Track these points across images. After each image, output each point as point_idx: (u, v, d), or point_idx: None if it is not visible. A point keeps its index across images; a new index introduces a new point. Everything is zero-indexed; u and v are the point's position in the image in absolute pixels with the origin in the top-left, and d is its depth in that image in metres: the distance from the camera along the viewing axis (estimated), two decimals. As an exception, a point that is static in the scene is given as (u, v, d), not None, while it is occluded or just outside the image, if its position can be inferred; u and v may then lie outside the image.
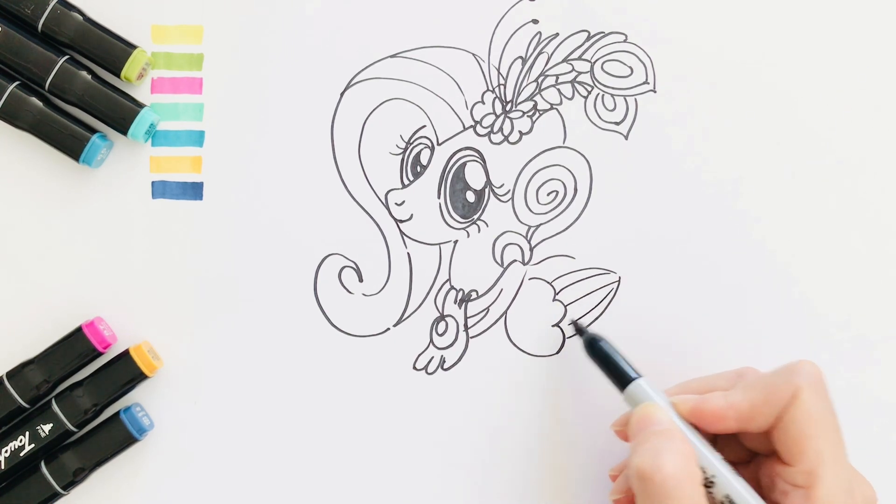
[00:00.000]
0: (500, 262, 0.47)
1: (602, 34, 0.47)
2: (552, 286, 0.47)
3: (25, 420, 0.45)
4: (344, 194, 0.47)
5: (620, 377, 0.42)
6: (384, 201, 0.47)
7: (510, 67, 0.47)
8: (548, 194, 0.47)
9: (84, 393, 0.45)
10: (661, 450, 0.38)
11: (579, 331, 0.45)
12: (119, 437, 0.45)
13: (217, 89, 0.47)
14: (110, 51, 0.45)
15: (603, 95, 0.47)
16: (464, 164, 0.47)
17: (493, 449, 0.46)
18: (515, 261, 0.47)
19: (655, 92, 0.47)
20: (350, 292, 0.47)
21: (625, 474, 0.42)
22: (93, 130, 0.46)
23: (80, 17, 0.45)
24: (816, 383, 0.39)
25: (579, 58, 0.47)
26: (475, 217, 0.47)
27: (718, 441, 0.41)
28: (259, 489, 0.46)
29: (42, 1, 0.45)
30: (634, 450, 0.39)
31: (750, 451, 0.42)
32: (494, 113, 0.47)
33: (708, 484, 0.39)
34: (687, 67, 0.47)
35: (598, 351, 0.43)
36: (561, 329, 0.47)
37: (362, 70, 0.47)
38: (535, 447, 0.46)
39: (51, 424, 0.45)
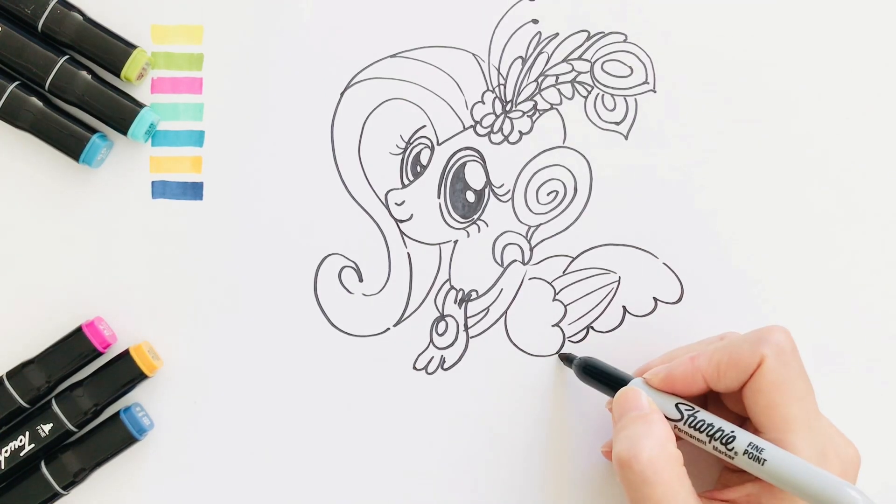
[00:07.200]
0: (500, 262, 0.47)
1: (602, 34, 0.47)
2: (552, 286, 0.47)
3: (25, 420, 0.45)
4: (344, 194, 0.47)
5: (616, 386, 0.42)
6: (384, 201, 0.47)
7: (510, 67, 0.47)
8: (548, 194, 0.47)
9: (84, 393, 0.45)
10: (637, 436, 0.38)
11: (568, 360, 0.45)
12: (119, 437, 0.45)
13: (217, 89, 0.47)
14: (110, 51, 0.45)
15: (603, 95, 0.47)
16: (464, 164, 0.47)
17: (492, 449, 0.46)
18: (515, 261, 0.47)
19: (655, 92, 0.47)
20: (350, 292, 0.47)
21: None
22: (93, 130, 0.46)
23: (80, 17, 0.45)
24: (782, 351, 0.39)
25: (579, 58, 0.47)
26: (475, 217, 0.47)
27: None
28: (259, 489, 0.46)
29: (42, 1, 0.45)
30: (615, 438, 0.40)
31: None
32: (494, 113, 0.47)
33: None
34: (687, 67, 0.47)
35: (590, 371, 0.43)
36: (561, 329, 0.47)
37: (362, 70, 0.47)
38: (535, 447, 0.46)
39: (51, 424, 0.45)
